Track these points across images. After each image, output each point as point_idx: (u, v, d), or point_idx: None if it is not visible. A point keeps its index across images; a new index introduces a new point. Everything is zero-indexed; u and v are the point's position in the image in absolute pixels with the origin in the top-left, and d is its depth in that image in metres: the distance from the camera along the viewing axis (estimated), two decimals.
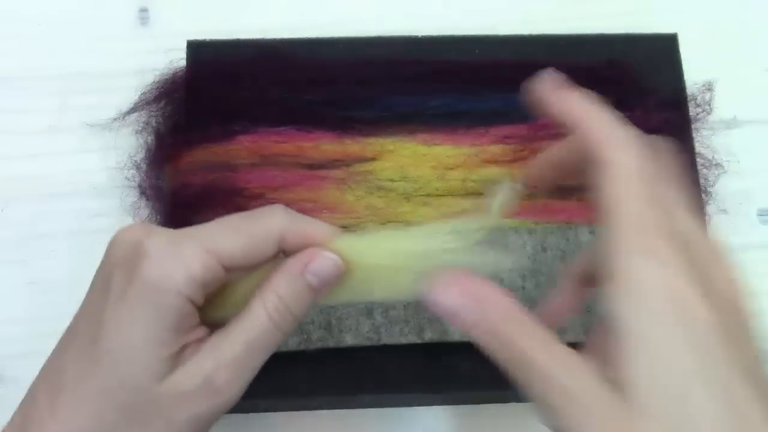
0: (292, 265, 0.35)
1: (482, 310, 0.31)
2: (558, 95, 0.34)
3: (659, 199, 0.31)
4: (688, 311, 0.28)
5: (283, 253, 0.36)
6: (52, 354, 0.36)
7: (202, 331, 0.35)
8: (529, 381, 0.30)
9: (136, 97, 0.56)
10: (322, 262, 0.35)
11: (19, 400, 0.36)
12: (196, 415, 0.34)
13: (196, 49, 0.55)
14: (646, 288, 0.28)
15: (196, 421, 0.34)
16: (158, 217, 0.53)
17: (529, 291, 0.49)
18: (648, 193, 0.30)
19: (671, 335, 0.27)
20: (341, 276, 0.36)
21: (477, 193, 0.52)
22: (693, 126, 0.55)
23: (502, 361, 0.31)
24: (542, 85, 0.35)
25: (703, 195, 0.54)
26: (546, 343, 0.30)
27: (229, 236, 0.35)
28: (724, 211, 0.55)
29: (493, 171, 0.52)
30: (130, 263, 0.34)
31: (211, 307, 0.36)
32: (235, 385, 0.34)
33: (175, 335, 0.34)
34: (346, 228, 0.50)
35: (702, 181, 0.54)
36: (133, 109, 0.56)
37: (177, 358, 0.34)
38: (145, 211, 0.53)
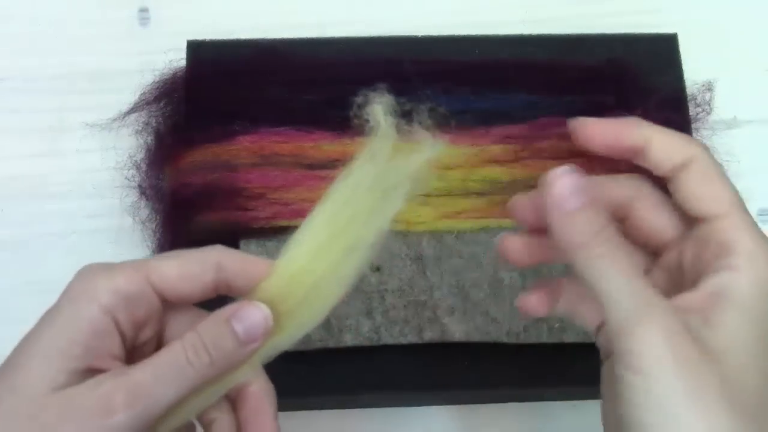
0: (221, 310, 0.34)
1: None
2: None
3: None
4: None
5: (225, 292, 0.36)
6: None
7: (122, 365, 0.34)
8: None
9: (136, 97, 0.56)
10: (250, 310, 0.34)
11: None
12: None
13: (196, 49, 0.55)
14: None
15: None
16: (158, 217, 0.53)
17: None
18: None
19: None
20: (269, 326, 0.34)
21: (477, 193, 0.52)
22: (693, 126, 0.55)
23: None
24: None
25: None
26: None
27: (162, 259, 0.35)
28: None
29: (493, 171, 0.52)
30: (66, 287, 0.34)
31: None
32: (132, 410, 0.32)
33: (83, 350, 0.32)
34: None
35: None
36: (133, 109, 0.56)
37: (82, 375, 0.32)
38: (145, 211, 0.53)
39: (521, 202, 0.37)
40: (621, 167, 0.53)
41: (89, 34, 0.60)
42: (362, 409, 0.52)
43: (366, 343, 0.48)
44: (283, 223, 0.50)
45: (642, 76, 0.55)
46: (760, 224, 0.56)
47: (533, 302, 0.37)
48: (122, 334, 0.34)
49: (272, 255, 0.50)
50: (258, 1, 0.61)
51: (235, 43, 0.56)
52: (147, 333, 0.35)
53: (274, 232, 0.50)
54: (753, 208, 0.57)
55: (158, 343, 0.36)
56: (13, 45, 0.59)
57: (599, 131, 0.34)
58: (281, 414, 0.52)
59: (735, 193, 0.33)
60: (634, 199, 0.35)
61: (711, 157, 0.34)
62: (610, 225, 0.32)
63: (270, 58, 0.55)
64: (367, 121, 0.35)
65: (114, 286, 0.33)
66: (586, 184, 0.32)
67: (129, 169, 0.54)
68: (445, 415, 0.52)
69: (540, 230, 0.35)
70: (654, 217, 0.35)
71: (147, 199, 0.53)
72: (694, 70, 0.57)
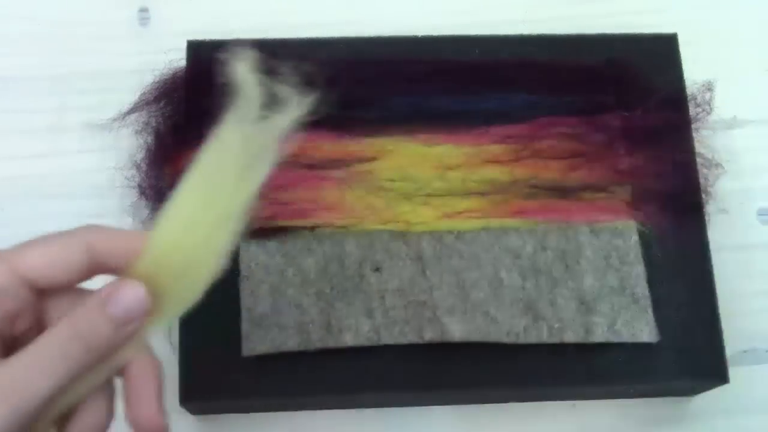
0: (95, 294, 0.33)
1: None
2: None
3: None
4: None
5: (99, 273, 0.34)
6: None
7: None
8: None
9: (136, 97, 0.56)
10: (125, 291, 0.33)
11: None
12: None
13: (196, 49, 0.55)
14: None
15: None
16: None
17: (529, 291, 0.49)
18: None
19: None
20: (146, 305, 0.33)
21: (477, 193, 0.52)
22: (693, 126, 0.55)
23: None
24: None
25: (703, 195, 0.54)
26: None
27: (27, 247, 0.33)
28: (724, 211, 0.55)
29: (493, 171, 0.52)
30: None
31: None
32: (7, 407, 0.30)
33: None
34: (344, 228, 0.50)
35: (702, 181, 0.54)
36: (133, 109, 0.56)
37: None
38: (145, 211, 0.53)
39: None
40: (621, 166, 0.53)
41: (89, 34, 0.59)
42: (362, 409, 0.52)
43: (366, 343, 0.48)
44: (283, 223, 0.50)
45: (642, 76, 0.55)
46: (760, 224, 0.57)
47: None
48: None
49: (272, 255, 0.50)
50: (258, 1, 0.61)
51: (235, 43, 0.56)
52: (23, 323, 0.33)
53: (274, 232, 0.50)
54: (753, 208, 0.57)
55: (39, 329, 0.34)
56: (13, 45, 0.59)
57: None
58: (281, 414, 0.52)
59: None
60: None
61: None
62: None
63: (270, 58, 0.55)
64: (231, 80, 0.33)
65: None
66: None
67: (129, 169, 0.54)
68: (445, 415, 0.52)
69: None
70: None
71: (147, 199, 0.53)
72: (694, 70, 0.57)
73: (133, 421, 0.34)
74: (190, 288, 0.34)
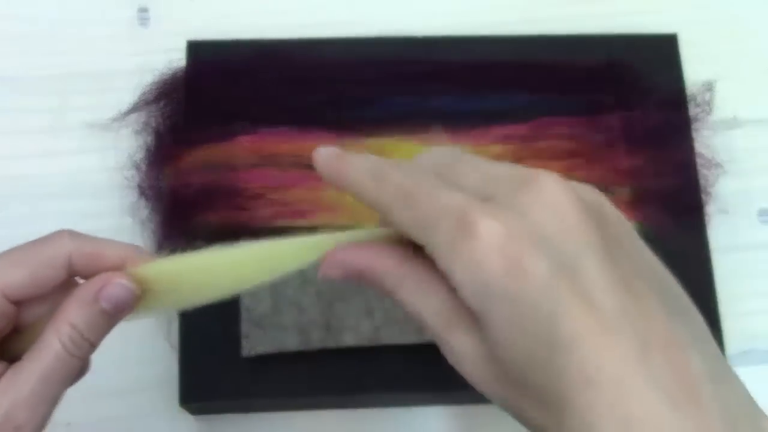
0: (85, 291, 0.34)
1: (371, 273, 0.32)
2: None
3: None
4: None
5: (78, 277, 0.35)
6: None
7: None
8: (428, 335, 0.31)
9: (136, 97, 0.56)
10: (115, 289, 0.33)
11: None
12: None
13: (196, 49, 0.55)
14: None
15: None
16: (158, 217, 0.53)
17: None
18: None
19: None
20: (137, 300, 0.34)
21: None
22: (693, 126, 0.55)
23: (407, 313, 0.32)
24: None
25: (703, 195, 0.54)
26: (434, 301, 0.31)
27: (9, 268, 0.34)
28: (724, 211, 0.55)
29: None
30: None
31: (17, 343, 0.34)
32: (33, 419, 0.32)
33: None
34: (344, 228, 0.50)
35: (702, 181, 0.54)
36: (133, 109, 0.56)
37: None
38: (145, 211, 0.53)
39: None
40: (621, 167, 0.53)
41: (89, 34, 0.59)
42: (362, 409, 0.52)
43: (366, 343, 0.48)
44: (283, 223, 0.50)
45: (642, 76, 0.55)
46: (760, 224, 0.57)
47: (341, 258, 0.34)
48: None
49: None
50: (258, 1, 0.61)
51: (235, 43, 0.56)
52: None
53: (274, 232, 0.50)
54: (753, 209, 0.57)
55: (12, 327, 0.35)
56: (13, 45, 0.59)
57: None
58: (281, 414, 0.52)
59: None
60: None
61: None
62: (404, 263, 0.32)
63: (270, 58, 0.55)
64: None
65: None
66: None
67: (129, 169, 0.54)
68: (445, 415, 0.52)
69: None
70: None
71: (147, 199, 0.53)
72: (694, 70, 0.57)
73: None
74: (182, 303, 0.36)
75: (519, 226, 0.28)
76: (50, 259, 0.34)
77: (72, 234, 0.35)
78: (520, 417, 0.29)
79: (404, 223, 0.30)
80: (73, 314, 0.33)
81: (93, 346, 0.34)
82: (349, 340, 0.48)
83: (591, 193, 0.30)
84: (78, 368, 0.34)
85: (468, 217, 0.28)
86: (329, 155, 0.34)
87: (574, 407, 0.26)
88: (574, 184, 0.29)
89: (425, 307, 0.31)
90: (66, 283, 0.34)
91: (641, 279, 0.29)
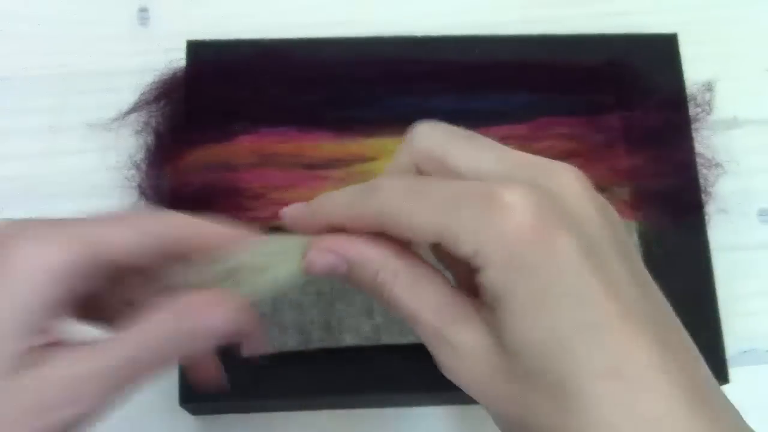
0: (187, 314, 0.32)
1: (359, 266, 0.30)
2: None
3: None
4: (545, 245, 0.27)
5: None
6: None
7: (79, 329, 0.32)
8: (421, 336, 0.30)
9: (136, 97, 0.56)
10: (223, 322, 0.32)
11: None
12: (51, 424, 0.29)
13: (196, 49, 0.55)
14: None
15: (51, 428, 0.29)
16: None
17: None
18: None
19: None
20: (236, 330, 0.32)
21: None
22: (693, 126, 0.55)
23: (395, 314, 0.30)
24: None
25: (703, 195, 0.54)
26: (433, 295, 0.30)
27: (112, 226, 0.32)
28: (724, 211, 0.55)
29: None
30: None
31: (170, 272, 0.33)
32: (101, 398, 0.30)
33: (27, 330, 0.29)
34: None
35: (702, 181, 0.54)
36: (133, 109, 0.56)
37: (40, 353, 0.29)
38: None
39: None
40: (621, 166, 0.53)
41: (89, 34, 0.59)
42: (362, 409, 0.52)
43: (366, 343, 0.48)
44: (283, 223, 0.50)
45: (642, 76, 0.55)
46: (760, 224, 0.57)
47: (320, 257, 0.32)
48: (66, 303, 0.31)
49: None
50: (258, 1, 0.61)
51: (235, 43, 0.56)
52: (95, 288, 0.32)
53: (273, 232, 0.50)
54: (753, 209, 0.57)
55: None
56: (13, 45, 0.59)
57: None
58: (281, 414, 0.52)
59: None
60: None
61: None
62: (399, 256, 0.30)
63: (270, 58, 0.55)
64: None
65: (48, 266, 0.30)
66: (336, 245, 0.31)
67: (129, 169, 0.54)
68: (445, 415, 0.52)
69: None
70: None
71: (147, 199, 0.53)
72: (694, 70, 0.57)
73: None
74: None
75: (548, 204, 0.27)
76: (160, 229, 0.32)
77: (185, 217, 0.33)
78: (521, 417, 0.28)
79: (414, 218, 0.28)
80: (166, 329, 0.31)
81: (182, 356, 0.32)
82: (349, 340, 0.48)
83: (599, 194, 0.30)
84: (143, 377, 0.31)
85: (495, 193, 0.27)
86: (295, 209, 0.34)
87: (591, 397, 0.26)
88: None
89: (423, 303, 0.30)
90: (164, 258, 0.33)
91: (649, 282, 0.29)
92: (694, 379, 0.26)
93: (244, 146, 0.52)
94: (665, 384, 0.25)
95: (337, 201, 0.32)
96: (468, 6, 0.61)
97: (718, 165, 0.55)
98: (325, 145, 0.53)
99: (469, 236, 0.27)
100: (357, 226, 0.31)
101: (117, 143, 0.56)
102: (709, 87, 0.57)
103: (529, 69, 0.55)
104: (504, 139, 0.53)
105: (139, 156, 0.54)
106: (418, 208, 0.29)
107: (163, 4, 0.61)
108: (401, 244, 0.30)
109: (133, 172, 0.54)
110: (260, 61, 0.55)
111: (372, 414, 0.52)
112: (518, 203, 0.27)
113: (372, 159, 0.52)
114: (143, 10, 0.60)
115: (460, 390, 0.32)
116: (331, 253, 0.31)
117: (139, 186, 0.54)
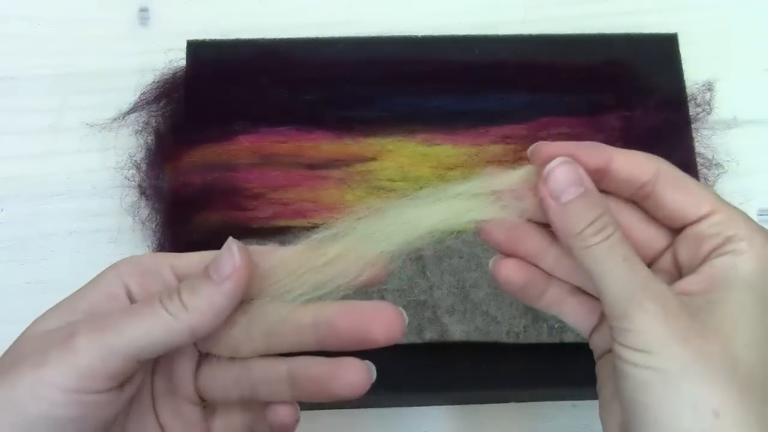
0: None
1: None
2: None
3: None
4: None
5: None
6: None
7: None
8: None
9: (136, 97, 0.56)
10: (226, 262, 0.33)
11: None
12: None
13: (196, 49, 0.55)
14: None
15: None
16: (158, 217, 0.53)
17: None
18: None
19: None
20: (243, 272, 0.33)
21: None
22: (693, 126, 0.55)
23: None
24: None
25: None
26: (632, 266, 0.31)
27: (186, 255, 0.35)
28: None
29: (493, 171, 0.52)
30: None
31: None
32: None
33: (88, 306, 0.33)
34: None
35: (702, 181, 0.54)
36: (133, 109, 0.56)
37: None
38: (145, 211, 0.53)
39: (493, 227, 0.36)
40: None
41: (89, 34, 0.59)
42: (362, 409, 0.52)
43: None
44: (283, 223, 0.50)
45: (642, 76, 0.55)
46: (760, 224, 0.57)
47: (510, 268, 0.36)
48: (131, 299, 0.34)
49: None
50: (258, 1, 0.61)
51: (235, 43, 0.56)
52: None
53: (274, 232, 0.50)
54: (753, 208, 0.57)
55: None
56: (13, 45, 0.59)
57: (558, 154, 0.33)
58: None
59: (713, 191, 0.34)
60: (656, 176, 0.35)
61: (673, 166, 0.35)
62: (605, 213, 0.32)
63: (270, 58, 0.55)
64: None
65: (134, 260, 0.34)
66: (582, 175, 0.32)
67: (129, 169, 0.54)
68: (445, 415, 0.52)
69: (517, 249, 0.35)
70: (676, 194, 0.34)
71: (147, 199, 0.53)
72: (694, 70, 0.57)
73: None
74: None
75: None
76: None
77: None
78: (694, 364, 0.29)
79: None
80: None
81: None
82: None
83: None
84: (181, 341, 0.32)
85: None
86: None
87: None
88: None
89: (625, 269, 0.31)
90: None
91: None
92: None
93: (244, 146, 0.52)
94: None
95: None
96: (468, 6, 0.61)
97: (718, 165, 0.55)
98: (324, 145, 0.53)
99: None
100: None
101: (117, 143, 0.56)
102: (709, 87, 0.57)
103: (529, 69, 0.55)
104: (504, 139, 0.53)
105: (139, 156, 0.54)
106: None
107: (163, 4, 0.61)
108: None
109: (133, 172, 0.54)
110: (260, 61, 0.55)
111: (372, 414, 0.52)
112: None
113: (372, 159, 0.52)
114: (143, 10, 0.60)
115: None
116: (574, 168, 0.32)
117: (139, 186, 0.54)
